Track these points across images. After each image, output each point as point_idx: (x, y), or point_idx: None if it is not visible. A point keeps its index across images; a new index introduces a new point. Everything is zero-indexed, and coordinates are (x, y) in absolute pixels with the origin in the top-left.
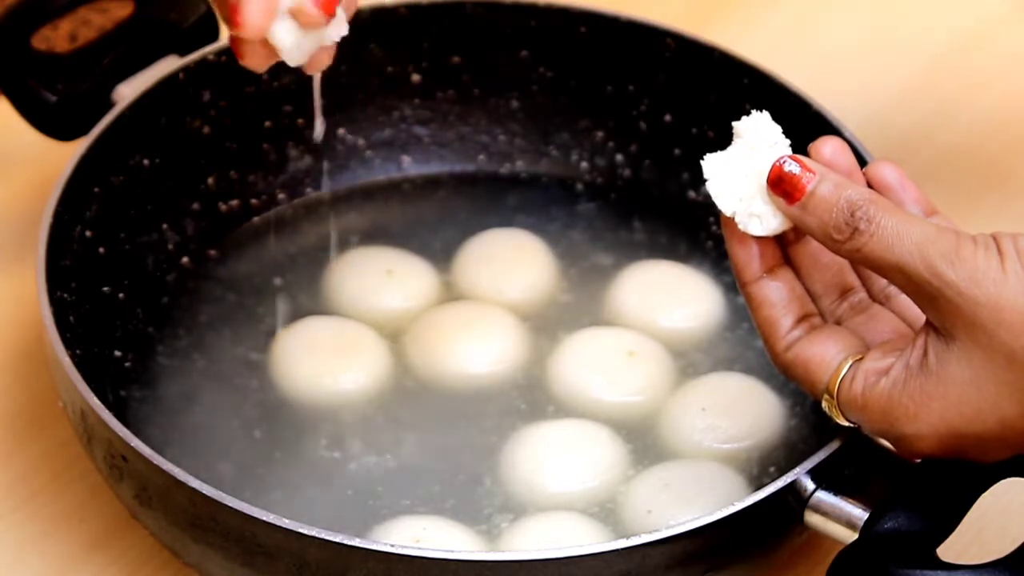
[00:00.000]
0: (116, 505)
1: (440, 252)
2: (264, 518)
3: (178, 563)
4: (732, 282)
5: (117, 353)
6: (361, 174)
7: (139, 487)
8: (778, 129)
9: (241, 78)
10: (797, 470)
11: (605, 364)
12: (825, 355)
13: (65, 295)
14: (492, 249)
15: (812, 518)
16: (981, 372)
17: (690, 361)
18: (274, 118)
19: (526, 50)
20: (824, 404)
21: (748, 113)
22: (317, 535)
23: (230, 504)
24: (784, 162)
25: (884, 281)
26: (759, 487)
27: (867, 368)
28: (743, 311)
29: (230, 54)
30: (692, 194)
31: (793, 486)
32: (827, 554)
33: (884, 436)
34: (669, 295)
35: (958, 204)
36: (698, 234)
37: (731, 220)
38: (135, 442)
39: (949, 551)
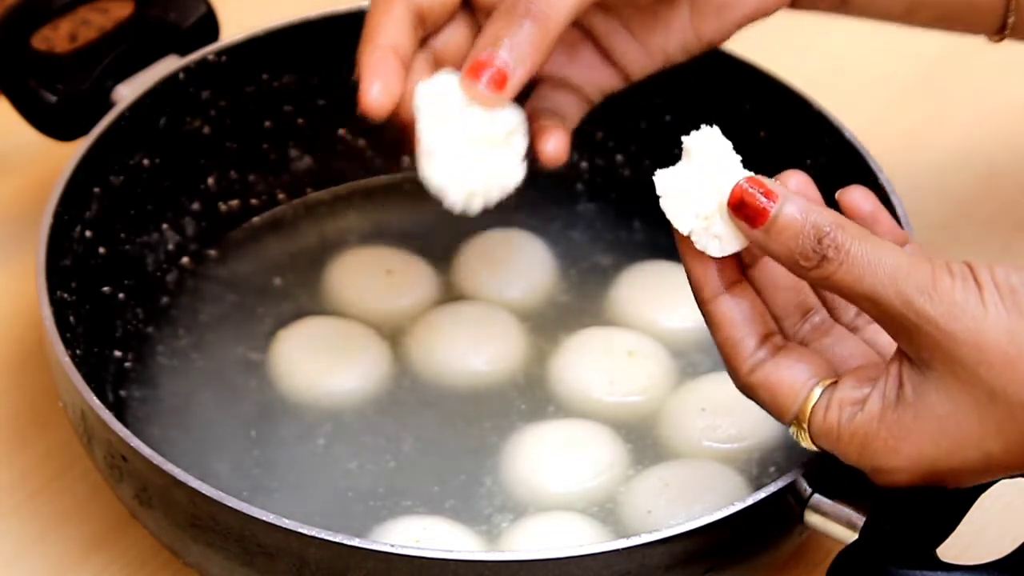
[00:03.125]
0: (116, 505)
1: (440, 252)
2: (264, 518)
3: (178, 563)
4: None
5: (117, 353)
6: (361, 174)
7: (139, 487)
8: (729, 145)
9: (241, 78)
10: (797, 470)
11: (605, 364)
12: (795, 381)
13: (65, 295)
14: (492, 249)
15: (812, 518)
16: (961, 406)
17: (690, 361)
18: (274, 118)
19: None
20: (792, 431)
21: (745, 112)
22: (317, 535)
23: (230, 504)
24: (745, 185)
25: (852, 313)
26: (759, 487)
27: (842, 398)
28: None
29: (230, 54)
30: None
31: (793, 486)
32: (827, 554)
33: (857, 466)
34: (669, 295)
35: (957, 204)
36: None
37: (687, 239)
38: (135, 442)
39: (949, 551)
